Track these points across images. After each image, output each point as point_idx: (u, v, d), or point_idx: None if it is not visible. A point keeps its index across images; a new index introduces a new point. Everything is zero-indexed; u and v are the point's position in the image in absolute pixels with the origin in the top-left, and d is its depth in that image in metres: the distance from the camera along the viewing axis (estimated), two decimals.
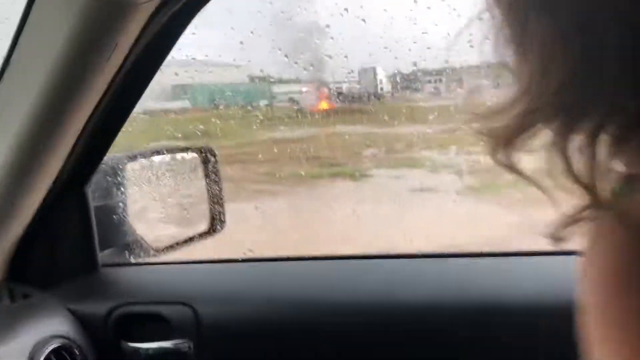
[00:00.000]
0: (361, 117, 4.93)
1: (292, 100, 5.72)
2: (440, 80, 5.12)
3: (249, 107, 5.01)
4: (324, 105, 5.02)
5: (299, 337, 1.21)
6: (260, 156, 4.62)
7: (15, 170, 1.18)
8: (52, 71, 1.07)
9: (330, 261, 1.33)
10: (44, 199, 1.27)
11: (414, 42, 1.47)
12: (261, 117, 4.93)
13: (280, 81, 5.50)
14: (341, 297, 1.21)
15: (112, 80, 1.15)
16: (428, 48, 1.48)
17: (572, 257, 1.17)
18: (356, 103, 4.98)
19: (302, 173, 4.60)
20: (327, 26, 1.43)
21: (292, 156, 4.72)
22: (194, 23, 1.18)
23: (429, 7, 1.39)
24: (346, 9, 1.40)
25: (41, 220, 1.30)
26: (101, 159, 1.32)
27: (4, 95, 1.14)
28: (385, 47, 1.51)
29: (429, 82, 5.18)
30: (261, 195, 4.42)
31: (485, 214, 3.97)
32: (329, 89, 5.02)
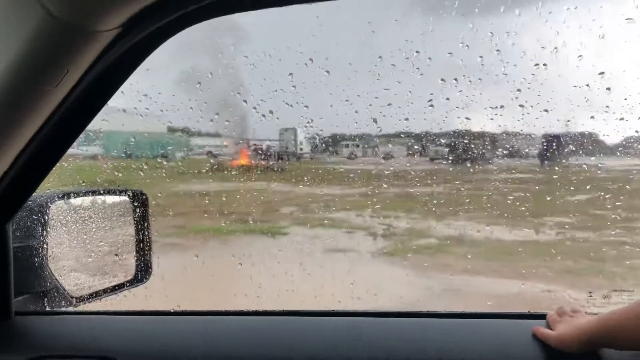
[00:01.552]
0: (279, 176, 4.97)
1: (210, 153, 5.66)
2: (357, 145, 5.32)
3: (164, 158, 4.89)
4: (242, 161, 5.02)
5: None
6: (172, 209, 4.48)
7: None
8: None
9: (267, 317, 1.29)
10: None
11: (375, 97, 1.53)
12: (178, 169, 4.82)
13: (200, 134, 5.45)
14: (284, 355, 1.17)
15: (56, 110, 1.08)
16: (389, 104, 1.54)
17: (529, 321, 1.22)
18: (275, 161, 5.03)
19: (215, 228, 4.51)
20: (290, 74, 1.46)
21: (207, 210, 4.62)
22: None
23: (393, 65, 1.47)
24: (311, 59, 1.45)
25: None
26: (29, 194, 1.21)
27: None
28: (347, 100, 1.56)
29: (347, 146, 5.37)
30: (172, 249, 4.24)
31: (396, 276, 4.06)
32: (249, 146, 5.04)
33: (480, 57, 1.49)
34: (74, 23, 0.95)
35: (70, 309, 1.37)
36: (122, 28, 1.01)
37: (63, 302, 1.37)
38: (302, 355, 1.18)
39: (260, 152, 4.97)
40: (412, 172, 4.66)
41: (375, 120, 1.62)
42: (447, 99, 1.56)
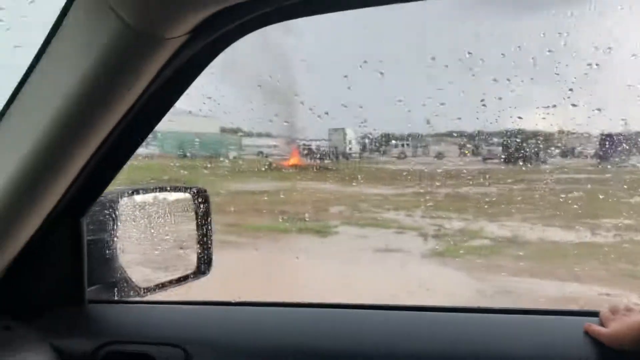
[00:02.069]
0: (329, 175, 5.02)
1: (261, 154, 5.77)
2: (407, 145, 5.30)
3: (218, 158, 5.03)
4: (293, 160, 5.10)
5: None
6: (226, 208, 4.59)
7: (14, 196, 1.16)
8: (70, 96, 1.06)
9: (324, 309, 1.33)
10: (39, 227, 1.24)
11: (429, 98, 1.56)
12: (229, 169, 4.94)
13: (251, 135, 5.57)
14: (335, 346, 1.21)
15: (128, 112, 1.15)
16: (442, 104, 1.57)
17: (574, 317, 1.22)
18: (324, 161, 5.08)
19: (268, 226, 4.58)
20: (345, 76, 1.50)
21: (259, 209, 4.72)
22: None
23: (446, 66, 1.49)
24: (365, 61, 1.48)
25: (32, 248, 1.26)
26: (102, 191, 1.30)
27: (16, 119, 1.13)
28: (400, 101, 1.59)
29: (396, 146, 5.36)
30: (226, 246, 4.36)
31: (448, 277, 4.02)
32: (299, 146, 5.11)
33: (532, 58, 1.48)
34: (146, 31, 1.01)
35: (138, 298, 1.46)
36: (190, 34, 1.07)
37: (131, 292, 1.45)
38: (362, 348, 1.21)
39: (309, 152, 5.03)
40: (464, 172, 4.61)
41: (428, 121, 1.64)
42: (500, 98, 1.57)
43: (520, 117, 1.70)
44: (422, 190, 4.76)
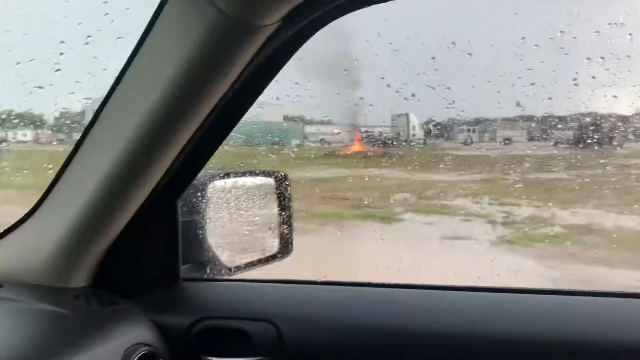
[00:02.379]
0: (392, 162, 4.98)
1: (323, 141, 5.80)
2: (474, 130, 5.18)
3: (281, 145, 5.09)
4: (355, 147, 5.09)
5: None
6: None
7: (116, 180, 1.22)
8: (167, 85, 1.11)
9: (411, 290, 1.34)
10: (138, 209, 1.31)
11: (518, 78, 1.52)
12: (293, 155, 4.99)
13: (313, 122, 5.60)
14: (425, 327, 1.21)
15: (222, 97, 1.19)
16: (532, 84, 1.53)
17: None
18: (388, 147, 5.04)
19: (333, 212, 4.60)
20: (433, 58, 1.48)
21: (323, 196, 4.75)
22: None
23: (536, 45, 1.45)
24: (453, 43, 1.47)
25: (132, 230, 1.33)
26: (196, 174, 1.36)
27: (118, 105, 1.19)
28: (489, 81, 1.57)
29: (462, 131, 5.24)
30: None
31: (519, 267, 3.93)
32: (361, 132, 5.09)
33: (630, 34, 1.41)
34: (242, 19, 1.04)
35: (228, 276, 1.52)
36: (282, 21, 1.10)
37: (221, 271, 1.51)
38: (442, 328, 1.22)
39: (372, 138, 5.00)
40: (533, 157, 4.46)
41: (518, 103, 1.60)
42: (593, 77, 1.51)
43: (615, 96, 1.63)
44: (489, 177, 4.66)
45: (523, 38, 1.48)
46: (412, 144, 5.11)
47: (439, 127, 5.28)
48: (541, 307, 1.23)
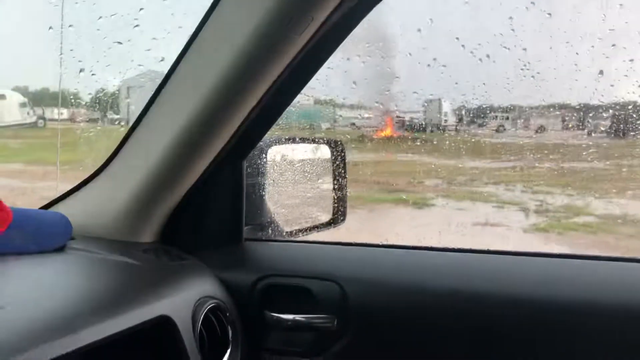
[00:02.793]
0: (423, 147, 4.95)
1: (354, 125, 5.79)
2: (507, 118, 5.13)
3: (312, 128, 5.09)
4: (387, 132, 5.08)
5: (443, 327, 1.23)
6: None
7: (185, 139, 1.25)
8: (244, 43, 1.12)
9: (474, 254, 1.35)
10: (206, 169, 1.34)
11: (599, 39, 1.49)
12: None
13: (344, 106, 5.59)
14: (490, 291, 1.22)
15: (295, 57, 1.20)
16: (613, 45, 1.50)
17: None
18: (419, 133, 5.02)
19: (365, 196, 4.62)
20: (510, 17, 1.45)
21: (354, 179, 4.75)
22: None
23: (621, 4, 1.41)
24: (533, 2, 1.44)
25: (199, 188, 1.36)
26: (262, 136, 1.38)
27: (191, 63, 1.22)
28: (567, 42, 1.53)
29: (495, 118, 5.19)
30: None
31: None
32: (392, 117, 5.08)
33: None
34: None
35: (289, 238, 1.55)
36: None
37: (281, 233, 1.54)
38: (506, 292, 1.23)
39: (404, 124, 4.98)
40: (568, 145, 4.40)
41: (601, 72, 1.58)
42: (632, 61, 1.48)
43: None
44: (522, 164, 4.61)
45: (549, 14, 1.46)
46: (444, 130, 5.08)
47: (471, 113, 5.23)
48: (605, 273, 1.24)
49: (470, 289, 1.26)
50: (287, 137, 1.61)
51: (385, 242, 1.42)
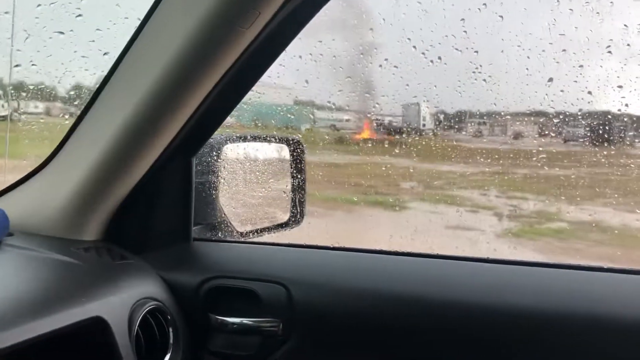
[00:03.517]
0: (401, 151, 4.95)
1: (333, 127, 5.77)
2: (485, 123, 5.15)
3: (291, 129, 5.06)
4: (365, 134, 5.08)
5: (389, 330, 1.21)
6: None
7: (131, 134, 1.21)
8: (190, 36, 1.09)
9: (424, 259, 1.33)
10: (152, 165, 1.30)
11: (550, 43, 1.49)
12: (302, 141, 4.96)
13: (323, 107, 5.58)
14: (434, 295, 1.21)
15: (244, 51, 1.17)
16: (563, 50, 1.50)
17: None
18: (397, 137, 5.02)
19: (340, 197, 4.61)
20: (462, 19, 1.44)
21: (332, 181, 4.74)
22: None
23: (571, 9, 1.42)
24: (485, 4, 1.44)
25: (145, 185, 1.32)
26: (212, 132, 1.35)
27: (138, 56, 1.18)
28: (519, 46, 1.53)
29: (472, 123, 5.21)
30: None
31: (524, 259, 3.89)
32: (371, 120, 5.08)
33: None
34: None
35: (239, 239, 1.51)
36: None
37: (232, 233, 1.51)
38: (454, 297, 1.21)
39: (382, 126, 4.99)
40: (543, 152, 4.42)
41: (551, 79, 1.57)
42: (628, 45, 1.48)
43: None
44: (498, 170, 4.63)
45: (558, 1, 1.45)
46: (422, 134, 5.08)
47: (448, 117, 5.24)
48: (556, 280, 1.22)
49: (416, 292, 1.25)
50: (241, 135, 1.58)
51: (335, 245, 1.39)
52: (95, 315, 1.05)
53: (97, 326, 1.06)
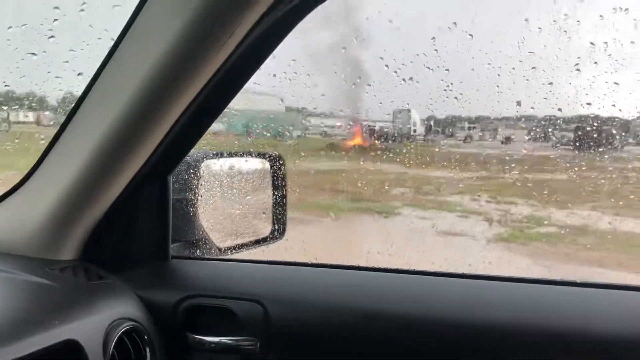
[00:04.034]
0: (392, 157, 4.97)
1: (324, 133, 5.77)
2: (474, 128, 5.16)
3: (282, 137, 5.08)
4: (356, 141, 5.08)
5: (366, 347, 1.21)
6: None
7: (106, 153, 1.21)
8: (162, 56, 1.10)
9: (402, 275, 1.33)
10: (129, 184, 1.30)
11: (519, 61, 1.50)
12: (293, 147, 4.99)
13: (314, 114, 5.59)
14: (412, 311, 1.21)
15: (216, 72, 1.17)
16: (533, 68, 1.51)
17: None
18: (388, 142, 5.03)
19: (331, 204, 4.61)
20: (433, 38, 1.46)
21: (322, 187, 4.74)
22: None
23: (539, 28, 1.43)
24: (455, 23, 1.44)
25: (122, 204, 1.32)
26: (189, 150, 1.35)
27: (111, 76, 1.18)
28: (489, 63, 1.54)
29: (463, 129, 5.23)
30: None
31: (514, 263, 3.93)
32: (362, 126, 5.09)
33: (634, 19, 1.40)
34: None
35: (218, 256, 1.51)
36: None
37: (211, 250, 1.50)
38: (431, 313, 1.21)
39: (373, 133, 5.00)
40: (533, 157, 4.44)
41: (518, 103, 1.58)
42: (595, 62, 1.50)
43: (616, 83, 1.60)
44: (488, 175, 4.64)
45: (526, 20, 1.46)
46: (412, 140, 5.10)
47: (439, 123, 5.27)
48: (529, 296, 1.23)
49: (394, 308, 1.25)
50: (218, 152, 1.58)
51: (314, 261, 1.39)
52: (69, 338, 1.04)
53: (71, 349, 1.05)
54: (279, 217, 1.63)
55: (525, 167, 4.31)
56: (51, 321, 1.07)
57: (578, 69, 1.49)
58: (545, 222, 4.35)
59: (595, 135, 3.64)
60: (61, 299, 1.18)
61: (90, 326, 1.12)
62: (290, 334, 1.25)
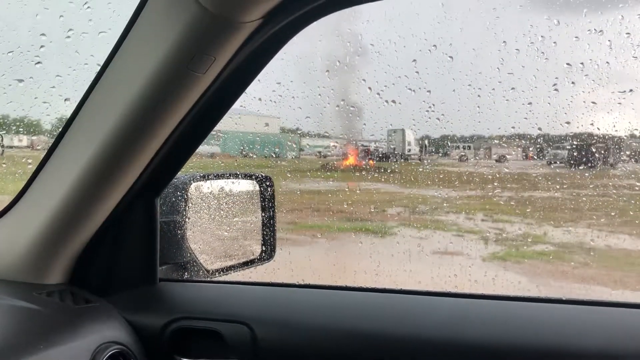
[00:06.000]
0: (387, 176, 4.99)
1: (319, 154, 5.80)
2: (469, 147, 5.20)
3: (277, 157, 5.10)
4: (351, 161, 5.11)
5: None
6: (284, 206, 4.64)
7: (94, 176, 1.22)
8: (147, 80, 1.11)
9: (389, 294, 1.33)
10: (116, 207, 1.30)
11: (499, 82, 1.53)
12: (289, 168, 5.01)
13: (310, 135, 5.63)
14: (400, 331, 1.20)
15: (202, 95, 1.19)
16: (512, 89, 1.54)
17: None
18: (383, 162, 5.06)
19: (326, 225, 4.61)
20: (414, 60, 1.49)
21: (316, 208, 4.75)
22: None
23: (517, 49, 1.46)
24: (435, 46, 1.47)
25: (109, 227, 1.32)
26: (176, 172, 1.35)
27: (98, 100, 1.20)
28: (469, 85, 1.57)
29: (457, 147, 5.27)
30: (282, 244, 4.42)
31: (509, 282, 3.93)
32: (357, 147, 5.11)
33: (609, 41, 1.43)
34: (222, 15, 1.05)
35: (206, 278, 1.50)
36: (264, 19, 1.10)
37: (199, 272, 1.50)
38: (418, 333, 1.20)
39: (368, 153, 5.03)
40: (527, 175, 4.48)
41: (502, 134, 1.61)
42: (573, 82, 1.52)
43: (594, 102, 1.63)
44: (483, 194, 4.67)
45: (504, 42, 1.49)
46: (406, 159, 5.13)
47: (434, 142, 5.30)
48: (516, 314, 1.22)
49: (381, 328, 1.24)
50: (209, 173, 1.58)
51: (301, 282, 1.39)
52: None
53: None
54: (267, 238, 1.62)
55: (519, 184, 4.33)
56: (37, 346, 1.07)
57: (556, 89, 1.52)
58: (540, 240, 4.36)
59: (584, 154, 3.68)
60: (47, 323, 1.17)
61: (76, 350, 1.11)
62: (278, 356, 1.24)
